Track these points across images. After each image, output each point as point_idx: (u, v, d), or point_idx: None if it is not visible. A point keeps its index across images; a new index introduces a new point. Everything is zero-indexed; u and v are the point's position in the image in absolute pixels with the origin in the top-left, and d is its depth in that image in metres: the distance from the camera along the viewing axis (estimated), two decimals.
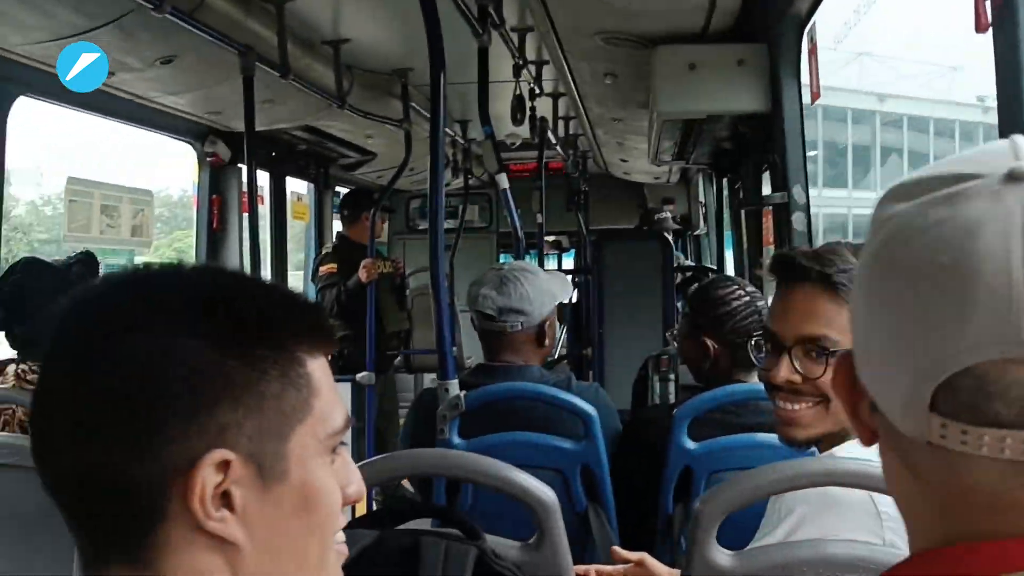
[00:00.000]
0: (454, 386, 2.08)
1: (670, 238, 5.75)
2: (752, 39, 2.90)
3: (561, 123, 5.35)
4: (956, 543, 0.56)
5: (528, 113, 4.03)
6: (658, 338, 4.52)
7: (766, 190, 3.26)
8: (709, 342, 2.18)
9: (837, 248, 1.35)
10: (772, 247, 3.28)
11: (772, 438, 1.95)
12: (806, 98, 2.77)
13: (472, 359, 5.85)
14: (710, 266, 5.21)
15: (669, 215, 5.95)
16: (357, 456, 4.45)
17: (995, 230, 0.52)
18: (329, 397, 0.73)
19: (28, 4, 2.56)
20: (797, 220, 2.78)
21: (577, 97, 4.36)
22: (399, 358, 5.86)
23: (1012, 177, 0.53)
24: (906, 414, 0.56)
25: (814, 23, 2.59)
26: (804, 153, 2.79)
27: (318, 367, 0.73)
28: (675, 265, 4.77)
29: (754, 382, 2.11)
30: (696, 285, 2.26)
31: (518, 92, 3.70)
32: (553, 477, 2.08)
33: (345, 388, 4.50)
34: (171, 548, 0.67)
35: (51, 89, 3.35)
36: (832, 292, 1.31)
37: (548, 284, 2.25)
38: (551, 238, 8.64)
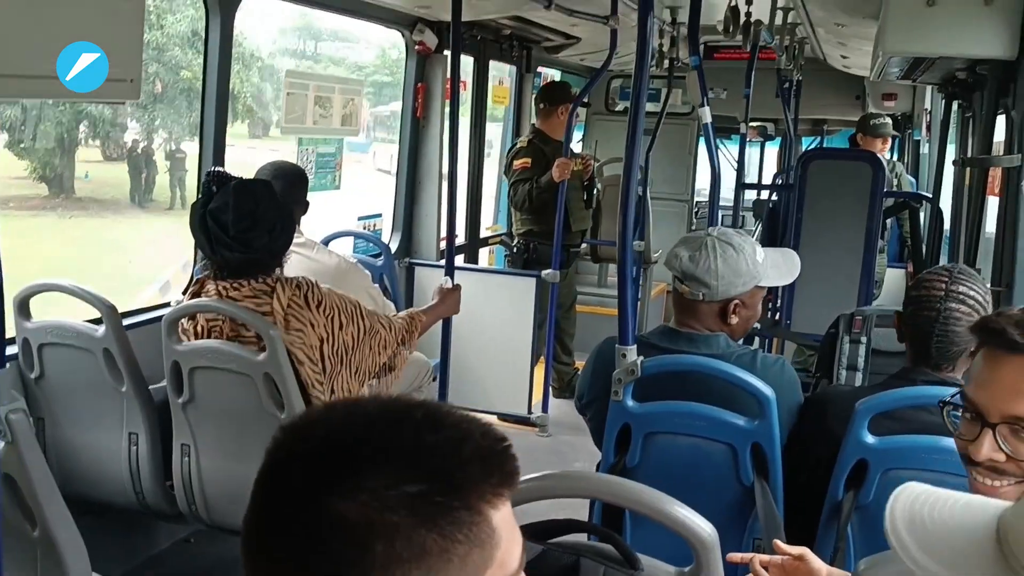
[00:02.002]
0: (632, 352, 2.10)
1: (884, 155, 5.37)
2: None
3: (779, 14, 5.00)
4: None
5: (743, 20, 3.80)
6: (857, 265, 4.32)
7: (1000, 135, 2.96)
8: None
9: None
10: (997, 198, 3.01)
11: None
12: None
13: (660, 253, 5.83)
14: (925, 194, 4.83)
15: (889, 121, 5.51)
16: (536, 344, 4.61)
17: None
18: (509, 543, 0.77)
19: None
20: None
21: (799, 1, 4.05)
22: (583, 247, 5.92)
23: None
24: None
25: None
26: None
27: (501, 517, 0.76)
28: (886, 189, 4.46)
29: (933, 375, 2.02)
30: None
31: (733, 3, 3.48)
32: (724, 450, 2.10)
33: (530, 283, 4.63)
34: None
35: None
36: None
37: (751, 265, 2.15)
38: (756, 124, 8.26)
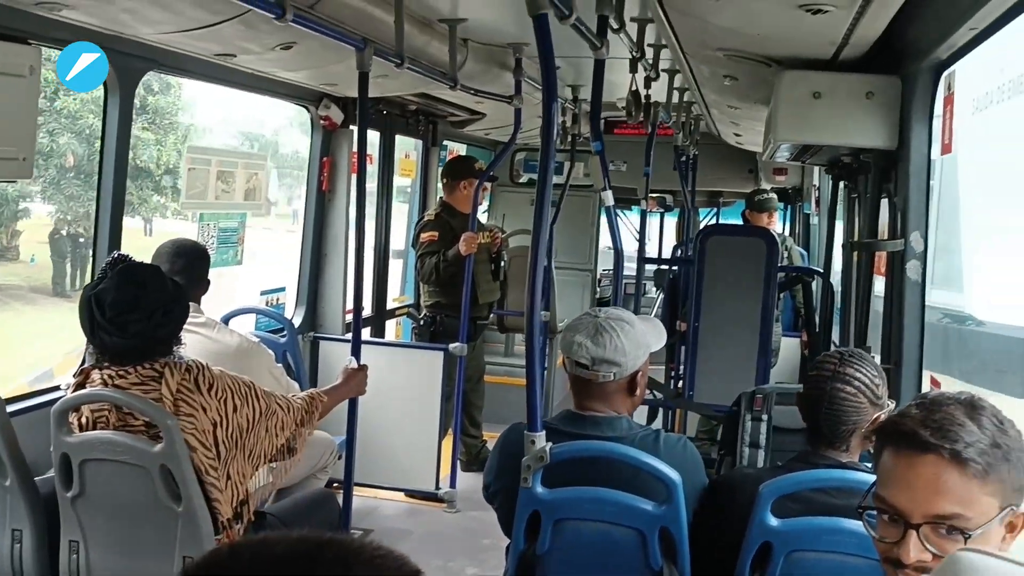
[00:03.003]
0: (541, 438, 2.10)
1: (775, 228, 5.60)
2: (884, 72, 2.74)
3: (676, 94, 5.21)
4: None
5: (643, 103, 3.93)
6: (755, 337, 4.45)
7: (884, 218, 3.13)
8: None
9: (953, 413, 1.29)
10: (883, 277, 3.17)
11: (858, 525, 1.96)
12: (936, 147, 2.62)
13: (565, 322, 5.90)
14: (817, 270, 5.05)
15: (774, 196, 5.78)
16: (444, 418, 4.58)
17: None
18: None
19: (159, 4, 2.61)
20: (912, 269, 2.68)
21: (695, 85, 4.22)
22: (491, 316, 5.94)
23: None
24: None
25: (954, 71, 2.43)
26: (928, 199, 2.66)
27: None
28: (783, 263, 4.65)
29: (837, 458, 2.09)
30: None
31: (634, 88, 3.60)
32: (632, 535, 2.11)
33: (437, 356, 4.60)
34: None
35: (176, 64, 3.45)
36: (961, 466, 1.26)
37: (643, 336, 2.23)
38: (655, 195, 8.51)
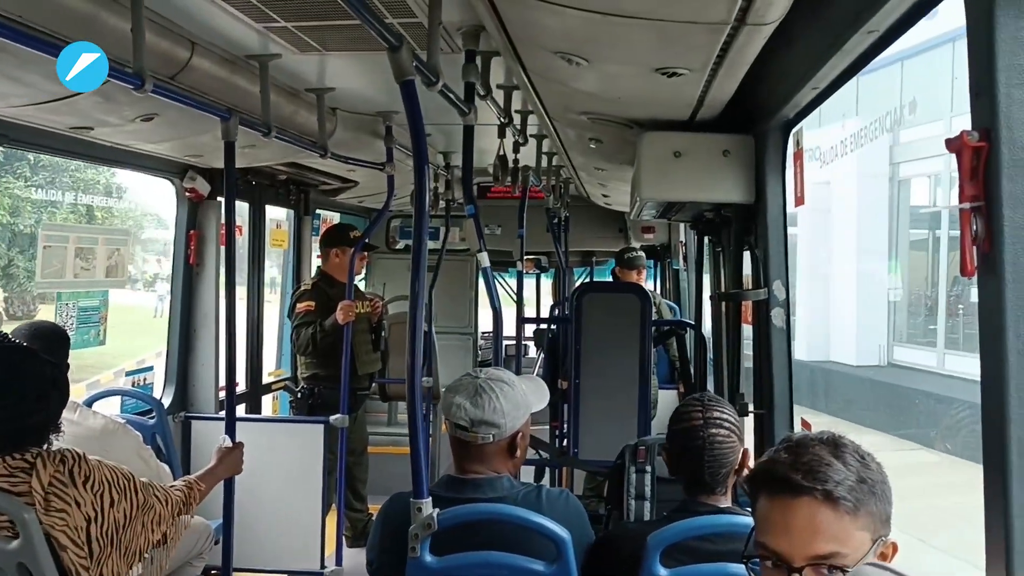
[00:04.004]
0: (427, 505, 2.06)
1: (647, 286, 5.77)
2: (739, 131, 2.89)
3: (544, 158, 5.34)
4: None
5: (511, 167, 4.01)
6: (634, 390, 4.53)
7: (747, 269, 3.26)
8: (667, 456, 2.25)
9: (820, 454, 1.34)
10: (751, 326, 3.29)
11: (741, 569, 1.99)
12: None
13: None
14: (688, 322, 5.22)
15: (642, 254, 5.98)
16: (327, 493, 4.44)
17: None
18: None
19: (9, 77, 2.50)
20: (776, 316, 2.79)
21: (562, 149, 4.34)
22: (372, 387, 5.83)
23: None
24: None
25: (801, 128, 2.59)
26: (786, 249, 2.79)
27: None
28: (653, 318, 4.77)
29: (715, 504, 2.14)
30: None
31: (502, 152, 3.67)
32: None
33: (317, 430, 4.48)
34: None
35: (26, 139, 3.31)
36: (833, 504, 1.31)
37: (523, 396, 2.24)
38: (531, 257, 8.65)
